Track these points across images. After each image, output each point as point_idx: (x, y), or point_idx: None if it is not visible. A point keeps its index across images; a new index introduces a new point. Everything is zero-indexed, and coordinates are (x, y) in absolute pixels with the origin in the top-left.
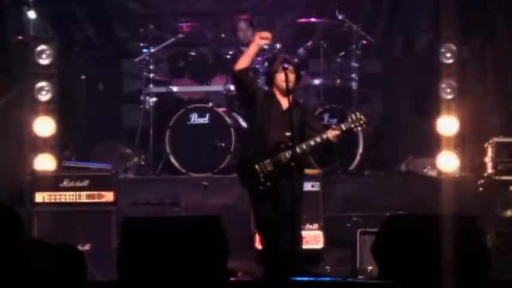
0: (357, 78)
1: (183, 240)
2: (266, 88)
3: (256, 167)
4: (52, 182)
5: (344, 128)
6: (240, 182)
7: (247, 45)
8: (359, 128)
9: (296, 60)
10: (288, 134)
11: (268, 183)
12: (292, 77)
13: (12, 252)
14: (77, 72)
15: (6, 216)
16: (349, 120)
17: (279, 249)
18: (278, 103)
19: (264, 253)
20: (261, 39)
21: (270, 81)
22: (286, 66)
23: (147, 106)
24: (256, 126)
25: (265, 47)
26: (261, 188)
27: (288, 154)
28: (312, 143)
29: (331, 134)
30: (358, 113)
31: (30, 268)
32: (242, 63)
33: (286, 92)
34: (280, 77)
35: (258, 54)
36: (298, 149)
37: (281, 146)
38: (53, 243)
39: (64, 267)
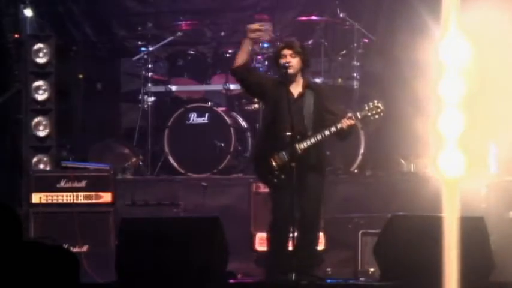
0: (358, 77)
1: (181, 241)
2: (275, 76)
3: (272, 159)
4: (49, 183)
5: (359, 117)
6: (257, 177)
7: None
8: (376, 117)
9: (299, 43)
10: (288, 133)
11: (283, 176)
12: (294, 61)
13: (9, 252)
14: (75, 71)
15: (5, 216)
16: (366, 108)
17: (285, 250)
18: (288, 92)
19: (268, 253)
20: (252, 33)
21: (277, 68)
22: (286, 65)
23: (146, 105)
24: (269, 117)
25: (265, 45)
26: (275, 181)
27: (303, 145)
28: (326, 133)
29: (345, 123)
30: (375, 101)
31: (23, 269)
32: (239, 60)
33: (285, 79)
34: (282, 63)
35: (258, 53)
36: (313, 140)
37: (296, 136)
38: (47, 244)
39: (56, 269)
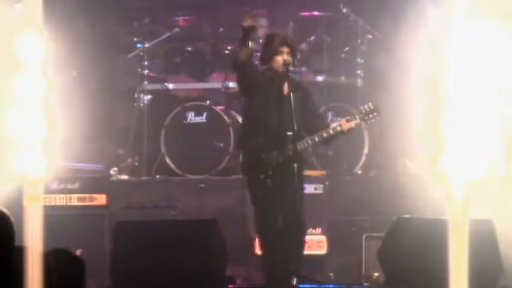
0: (362, 74)
1: (179, 245)
2: (265, 71)
3: (264, 157)
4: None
5: (359, 120)
6: (244, 174)
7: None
8: (373, 120)
9: (293, 40)
10: (290, 133)
11: (276, 176)
12: (290, 58)
13: (3, 256)
14: (68, 69)
15: None
16: (363, 111)
17: (281, 254)
18: (279, 88)
19: (264, 258)
20: (247, 22)
21: (267, 62)
22: (288, 62)
23: (142, 104)
24: (257, 113)
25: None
26: (268, 180)
27: (298, 146)
28: (324, 135)
29: (346, 126)
30: (370, 104)
31: (22, 274)
32: (244, 54)
33: (282, 77)
34: (278, 60)
35: (257, 50)
36: (309, 141)
37: (288, 135)
38: (52, 248)
39: (61, 274)
